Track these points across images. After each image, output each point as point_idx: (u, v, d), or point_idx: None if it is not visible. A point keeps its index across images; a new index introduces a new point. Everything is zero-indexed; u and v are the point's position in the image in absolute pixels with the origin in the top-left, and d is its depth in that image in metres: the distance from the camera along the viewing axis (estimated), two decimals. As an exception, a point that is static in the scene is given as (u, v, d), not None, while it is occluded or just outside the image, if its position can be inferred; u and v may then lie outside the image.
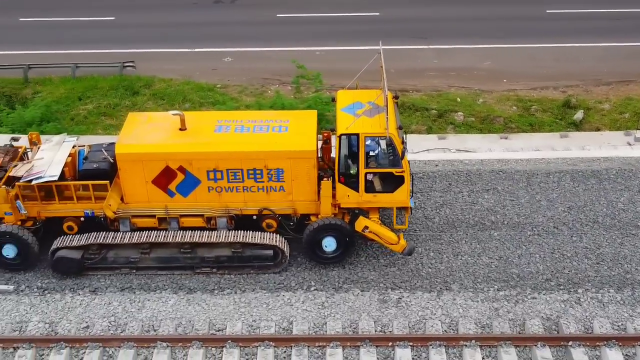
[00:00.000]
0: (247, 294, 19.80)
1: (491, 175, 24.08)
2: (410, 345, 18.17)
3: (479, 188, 23.57)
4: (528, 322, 18.78)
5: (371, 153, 19.96)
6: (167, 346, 18.12)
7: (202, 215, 20.39)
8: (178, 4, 41.46)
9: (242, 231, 20.28)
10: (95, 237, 20.12)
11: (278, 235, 20.46)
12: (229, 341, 18.21)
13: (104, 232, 20.29)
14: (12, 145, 21.76)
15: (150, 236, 20.17)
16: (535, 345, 18.08)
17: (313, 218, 20.45)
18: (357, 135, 19.35)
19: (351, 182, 19.79)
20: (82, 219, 20.40)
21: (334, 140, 20.22)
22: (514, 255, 21.07)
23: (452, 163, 24.91)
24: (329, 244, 20.43)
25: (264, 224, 20.49)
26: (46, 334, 18.61)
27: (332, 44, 36.40)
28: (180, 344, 18.25)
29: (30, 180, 19.78)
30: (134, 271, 20.51)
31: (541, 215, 22.45)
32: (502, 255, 21.04)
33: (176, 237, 20.15)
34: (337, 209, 20.25)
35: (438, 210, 22.83)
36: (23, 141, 25.43)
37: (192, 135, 20.05)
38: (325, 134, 21.44)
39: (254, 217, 20.45)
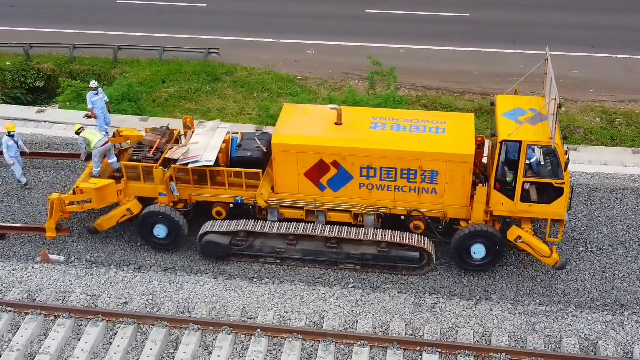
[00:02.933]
0: (284, 285, 19.95)
1: (551, 187, 23.37)
2: (439, 352, 17.94)
3: (537, 199, 22.94)
4: (565, 340, 18.20)
5: (527, 162, 19.34)
6: (198, 329, 18.49)
7: (350, 212, 20.29)
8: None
9: (392, 231, 20.06)
10: (245, 225, 20.44)
11: (426, 237, 20.22)
12: (258, 330, 18.41)
13: (254, 220, 20.56)
14: (167, 128, 22.15)
15: (299, 228, 20.22)
16: (569, 365, 17.58)
17: (463, 223, 20.02)
18: (520, 142, 18.72)
19: (506, 189, 19.31)
20: (231, 205, 20.80)
21: (487, 145, 19.97)
22: (562, 271, 20.42)
23: (513, 172, 24.29)
24: (478, 251, 19.93)
25: (411, 225, 20.20)
26: (86, 306, 19.31)
27: (418, 43, 36.15)
28: (211, 328, 18.58)
29: (187, 164, 20.30)
30: (278, 261, 20.75)
31: (597, 232, 21.67)
32: (550, 269, 20.40)
33: (325, 231, 20.11)
34: (488, 216, 19.79)
35: (492, 218, 22.35)
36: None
37: (348, 131, 19.92)
38: (479, 139, 20.69)
39: (402, 217, 20.27)
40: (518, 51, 35.53)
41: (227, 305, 19.26)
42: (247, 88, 33.13)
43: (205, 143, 20.93)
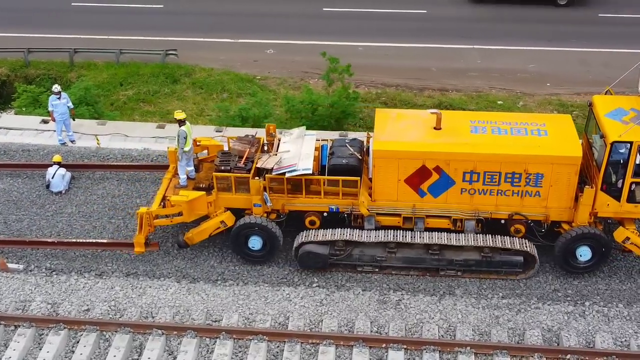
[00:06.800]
0: (248, 286, 19.87)
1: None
2: (404, 348, 18.00)
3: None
4: (528, 332, 18.41)
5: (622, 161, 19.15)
6: (162, 334, 18.33)
7: (449, 217, 19.96)
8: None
9: (495, 235, 19.78)
10: (345, 234, 19.95)
11: (529, 241, 19.91)
12: (223, 332, 18.31)
13: (354, 229, 20.10)
14: (253, 137, 21.48)
15: (403, 236, 19.81)
16: (532, 356, 17.76)
17: (565, 226, 19.87)
18: (631, 143, 18.46)
19: (612, 190, 19.17)
20: (325, 214, 20.29)
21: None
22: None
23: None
24: (584, 253, 19.75)
25: (512, 229, 19.93)
26: (47, 314, 19.03)
27: (376, 40, 36.25)
28: (175, 332, 18.43)
29: (284, 173, 19.84)
30: (377, 270, 20.35)
31: (558, 224, 21.91)
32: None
33: (429, 238, 19.73)
34: (592, 217, 19.63)
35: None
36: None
37: (449, 135, 19.49)
38: None
39: (502, 221, 20.00)
40: (475, 46, 35.83)
41: (191, 309, 19.13)
42: (206, 89, 32.96)
43: (296, 151, 20.43)
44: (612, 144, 18.58)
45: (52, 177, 23.17)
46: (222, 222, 20.28)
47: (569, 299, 19.54)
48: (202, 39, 36.52)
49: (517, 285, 19.99)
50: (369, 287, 19.91)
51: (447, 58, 35.07)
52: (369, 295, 19.56)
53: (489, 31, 36.87)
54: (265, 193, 19.85)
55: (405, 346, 18.04)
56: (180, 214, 20.15)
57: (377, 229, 20.08)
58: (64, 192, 23.23)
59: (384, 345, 18.10)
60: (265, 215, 20.23)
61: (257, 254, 20.55)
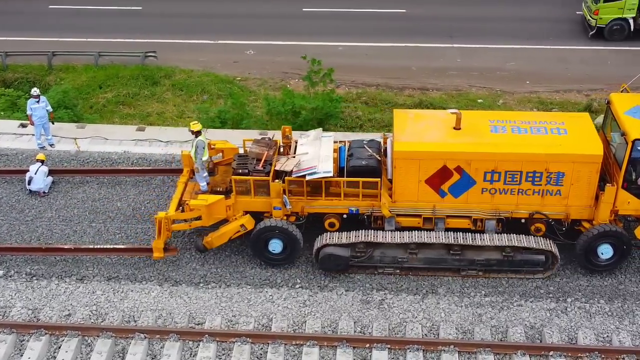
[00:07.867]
0: (230, 288, 19.80)
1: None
2: (388, 348, 18.00)
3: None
4: (511, 329, 18.47)
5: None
6: (145, 337, 18.24)
7: (469, 217, 19.93)
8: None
9: (517, 235, 19.74)
10: (369, 235, 19.85)
11: (550, 240, 19.86)
12: (206, 335, 18.24)
13: (375, 231, 20.00)
14: (270, 139, 21.32)
15: (426, 236, 19.73)
16: (515, 354, 17.82)
17: (586, 224, 19.90)
18: None
19: (633, 188, 19.20)
20: (344, 216, 20.22)
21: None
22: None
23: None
24: (606, 251, 19.77)
25: (532, 228, 19.94)
26: (28, 320, 18.86)
27: (356, 40, 36.22)
28: (157, 336, 18.35)
29: (304, 176, 19.67)
30: (398, 271, 20.27)
31: (539, 221, 21.97)
32: (494, 260, 20.64)
33: (450, 238, 19.66)
34: (612, 215, 19.64)
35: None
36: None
37: (470, 135, 19.50)
38: None
39: (522, 220, 20.01)
40: (455, 45, 35.89)
41: (174, 312, 19.05)
42: (186, 91, 32.75)
43: (315, 153, 20.31)
44: (633, 141, 18.61)
45: (35, 173, 22.97)
46: (242, 225, 20.16)
47: (551, 295, 19.61)
48: (181, 41, 36.38)
49: (499, 283, 20.03)
50: (352, 288, 19.90)
51: (427, 57, 35.10)
52: (352, 296, 19.56)
53: (467, 30, 36.92)
54: (284, 196, 19.75)
55: (389, 346, 18.06)
56: (198, 218, 20.01)
57: (396, 230, 20.03)
58: (43, 193, 23.04)
59: (367, 345, 18.11)
60: (285, 218, 20.15)
61: (278, 257, 20.43)
